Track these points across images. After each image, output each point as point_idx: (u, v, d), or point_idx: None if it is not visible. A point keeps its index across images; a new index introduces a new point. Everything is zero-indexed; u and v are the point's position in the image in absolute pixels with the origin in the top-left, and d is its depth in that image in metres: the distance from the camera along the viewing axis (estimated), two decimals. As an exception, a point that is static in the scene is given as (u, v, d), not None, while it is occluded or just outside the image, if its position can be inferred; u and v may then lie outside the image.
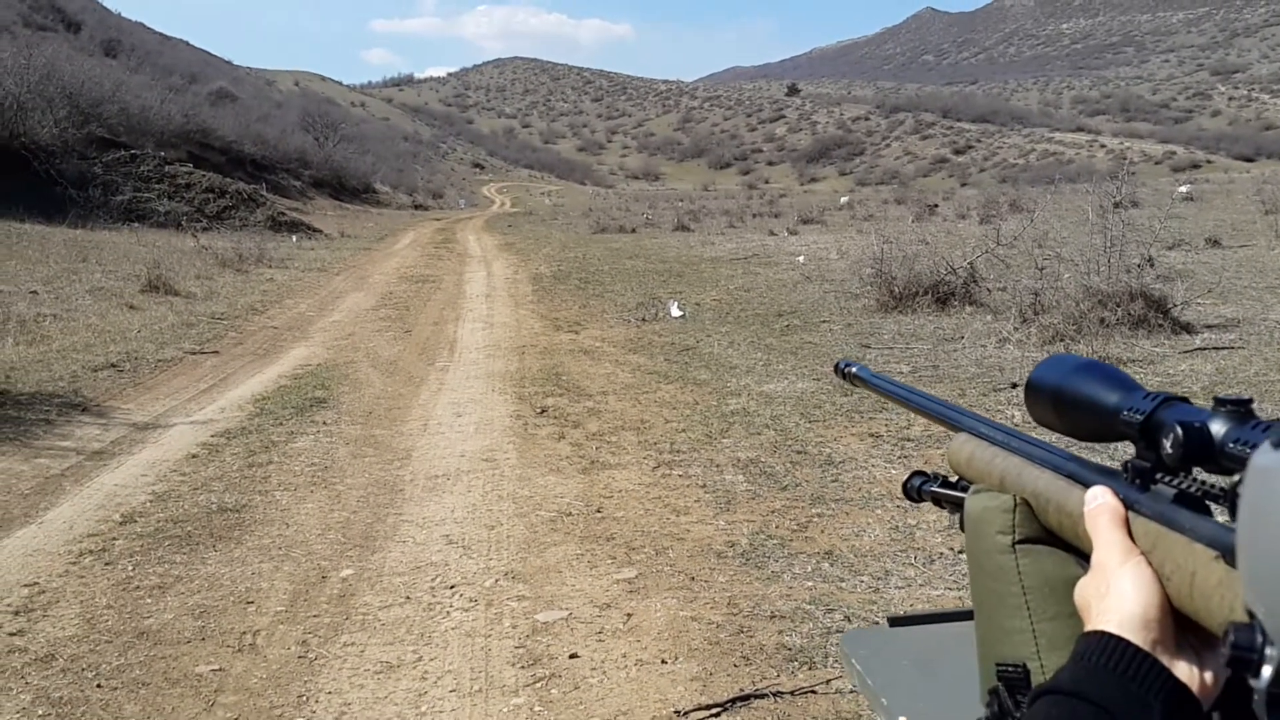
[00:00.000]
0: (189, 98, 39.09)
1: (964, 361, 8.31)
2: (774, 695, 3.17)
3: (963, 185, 74.66)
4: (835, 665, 3.32)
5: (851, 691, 3.14)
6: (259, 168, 37.39)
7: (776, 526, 4.72)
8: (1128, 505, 0.65)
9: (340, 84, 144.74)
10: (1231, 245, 16.02)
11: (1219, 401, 0.60)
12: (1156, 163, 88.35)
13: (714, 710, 3.11)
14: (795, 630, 3.61)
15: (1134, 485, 0.65)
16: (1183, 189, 30.35)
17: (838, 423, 6.54)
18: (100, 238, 20.04)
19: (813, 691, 3.18)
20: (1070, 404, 0.73)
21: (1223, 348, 8.19)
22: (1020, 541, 0.75)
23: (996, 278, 11.97)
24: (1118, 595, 0.61)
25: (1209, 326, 9.16)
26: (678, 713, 3.11)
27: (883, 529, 4.61)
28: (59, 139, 24.64)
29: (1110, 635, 0.59)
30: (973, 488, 0.82)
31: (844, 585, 4.00)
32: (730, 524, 4.79)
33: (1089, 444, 0.76)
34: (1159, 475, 0.64)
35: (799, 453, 5.91)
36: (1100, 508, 0.66)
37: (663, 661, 3.44)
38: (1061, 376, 0.74)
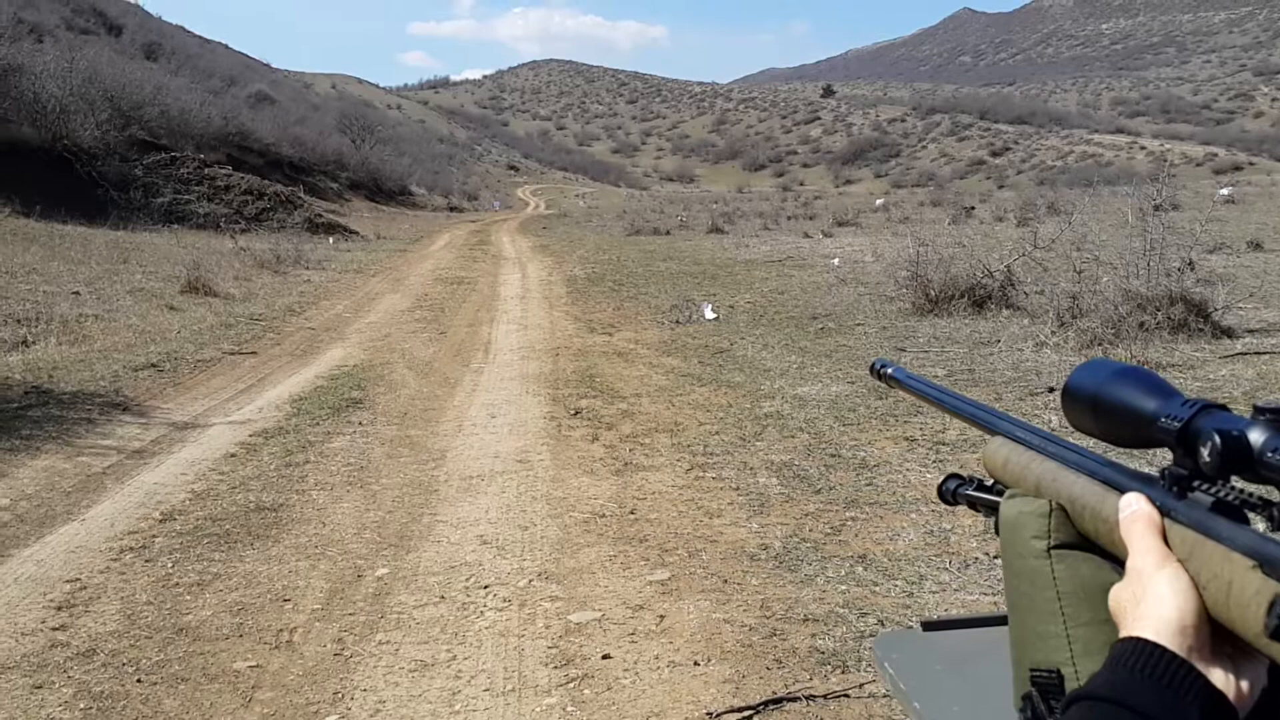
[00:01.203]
0: (228, 100, 39.50)
1: (1000, 365, 8.24)
2: (806, 699, 3.16)
3: (1000, 187, 73.91)
4: (868, 669, 3.30)
5: (884, 696, 3.13)
6: (297, 170, 37.75)
7: (810, 530, 4.70)
8: (1164, 512, 0.64)
9: (377, 86, 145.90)
10: (1274, 249, 15.79)
11: (1258, 409, 0.60)
12: (1197, 165, 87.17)
13: (746, 713, 3.11)
14: (828, 634, 3.60)
15: (1171, 492, 0.65)
16: (1224, 191, 29.99)
17: (872, 426, 6.51)
18: (141, 239, 20.29)
19: (845, 695, 3.17)
20: (1108, 409, 0.72)
21: (1264, 353, 8.07)
22: (1055, 547, 0.74)
23: (1034, 281, 11.85)
24: (1154, 601, 0.60)
25: (1250, 331, 9.03)
26: (710, 715, 3.11)
27: (917, 533, 4.58)
28: (101, 141, 24.94)
29: (1147, 641, 0.59)
30: (1008, 492, 0.82)
31: (878, 589, 3.99)
32: (764, 527, 4.78)
33: (1127, 450, 0.75)
34: (1196, 483, 0.64)
35: (833, 456, 5.89)
36: (1135, 514, 0.65)
37: (695, 663, 3.44)
38: (1099, 382, 0.74)
